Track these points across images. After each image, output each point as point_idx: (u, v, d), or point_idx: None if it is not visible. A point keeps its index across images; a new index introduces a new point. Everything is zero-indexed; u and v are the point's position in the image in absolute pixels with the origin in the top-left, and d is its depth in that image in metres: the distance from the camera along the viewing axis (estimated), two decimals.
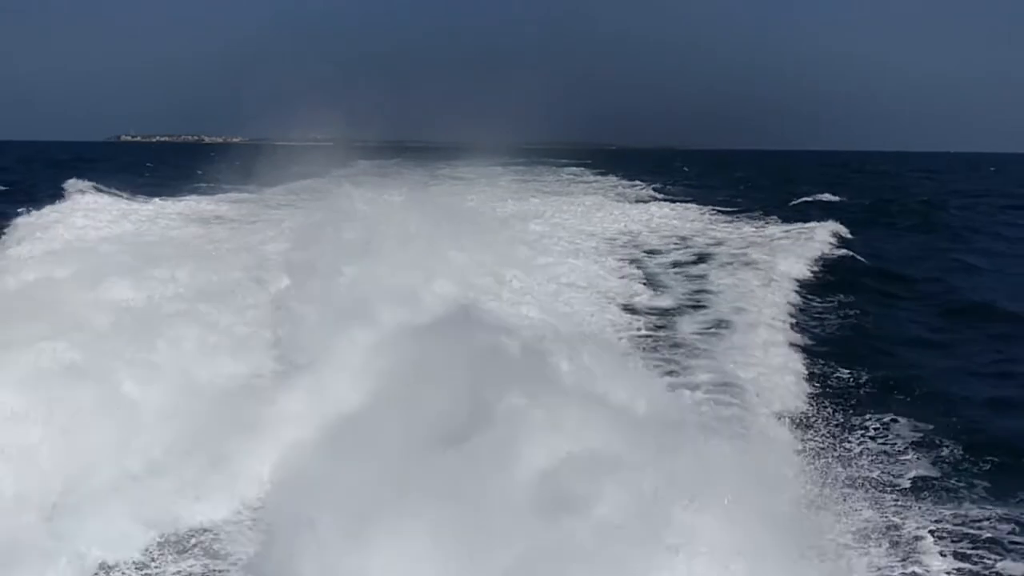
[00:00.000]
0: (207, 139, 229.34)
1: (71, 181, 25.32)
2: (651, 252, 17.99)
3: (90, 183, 25.10)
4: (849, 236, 20.65)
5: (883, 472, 7.23)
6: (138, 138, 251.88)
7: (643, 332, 11.29)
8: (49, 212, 18.70)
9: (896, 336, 12.13)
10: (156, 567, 5.78)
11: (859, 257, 17.94)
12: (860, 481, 6.94)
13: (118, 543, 5.83)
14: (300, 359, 8.43)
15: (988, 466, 7.44)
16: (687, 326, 11.63)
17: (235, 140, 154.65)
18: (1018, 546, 6.03)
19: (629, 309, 12.49)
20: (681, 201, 30.18)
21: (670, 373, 9.35)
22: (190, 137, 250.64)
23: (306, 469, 6.29)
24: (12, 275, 11.40)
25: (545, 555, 4.62)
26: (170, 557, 5.87)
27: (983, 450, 7.70)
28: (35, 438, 6.59)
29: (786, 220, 23.89)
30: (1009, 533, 6.21)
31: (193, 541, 6.04)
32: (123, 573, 5.70)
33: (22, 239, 15.51)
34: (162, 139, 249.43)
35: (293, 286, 10.87)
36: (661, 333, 11.29)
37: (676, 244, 19.22)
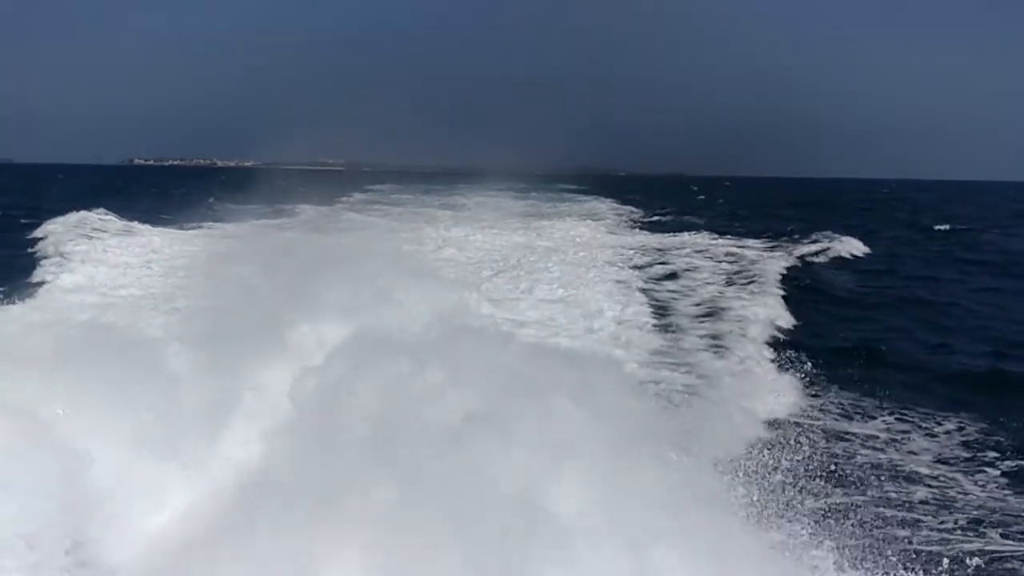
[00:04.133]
0: (219, 163, 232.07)
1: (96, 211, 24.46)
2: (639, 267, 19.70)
3: (105, 211, 24.52)
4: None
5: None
6: (150, 161, 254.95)
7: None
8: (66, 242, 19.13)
9: None
10: None
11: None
12: None
13: None
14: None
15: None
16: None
17: (247, 164, 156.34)
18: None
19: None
20: (678, 226, 31.98)
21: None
22: (202, 161, 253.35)
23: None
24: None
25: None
26: None
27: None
28: None
29: (773, 238, 25.97)
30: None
31: None
32: None
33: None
34: (174, 163, 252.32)
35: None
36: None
37: (658, 255, 21.05)
